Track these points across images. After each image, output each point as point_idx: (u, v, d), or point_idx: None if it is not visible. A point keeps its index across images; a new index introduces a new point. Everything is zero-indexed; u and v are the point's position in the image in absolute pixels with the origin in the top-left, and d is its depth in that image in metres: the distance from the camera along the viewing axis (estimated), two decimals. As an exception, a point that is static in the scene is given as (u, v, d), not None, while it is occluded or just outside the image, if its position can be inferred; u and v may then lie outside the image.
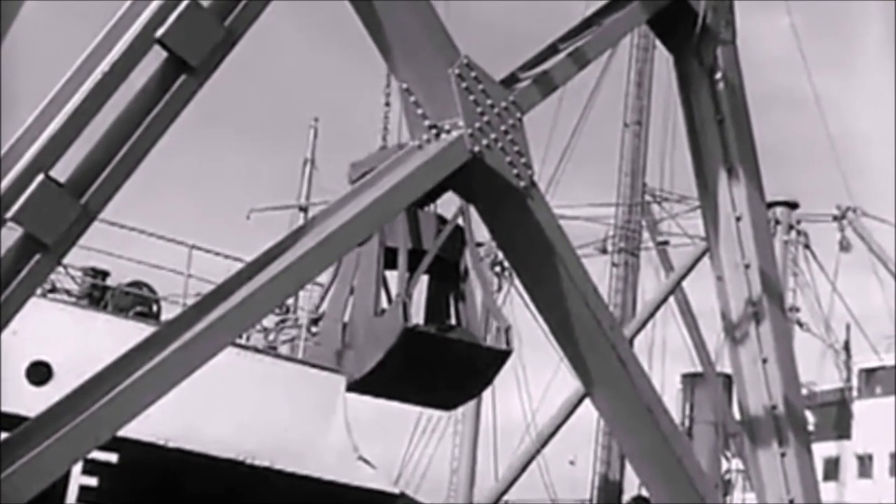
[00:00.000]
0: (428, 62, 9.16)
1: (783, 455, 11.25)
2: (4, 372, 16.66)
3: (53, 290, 20.53)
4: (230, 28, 7.87)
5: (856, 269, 45.37)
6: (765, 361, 11.34)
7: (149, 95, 7.60)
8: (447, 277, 9.82)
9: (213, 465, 19.59)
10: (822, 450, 42.37)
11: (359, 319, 9.32)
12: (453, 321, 9.93)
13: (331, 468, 21.12)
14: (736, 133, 11.38)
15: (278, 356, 23.43)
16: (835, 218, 44.24)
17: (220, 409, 19.59)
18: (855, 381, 47.45)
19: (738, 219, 11.41)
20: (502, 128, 9.23)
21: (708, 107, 11.36)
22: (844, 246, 44.09)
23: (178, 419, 17.66)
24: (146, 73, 7.63)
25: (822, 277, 43.82)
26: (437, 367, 9.44)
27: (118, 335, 16.73)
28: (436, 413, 42.72)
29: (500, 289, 34.70)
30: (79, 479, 18.19)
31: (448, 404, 10.65)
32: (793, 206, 43.15)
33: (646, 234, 43.65)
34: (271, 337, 25.90)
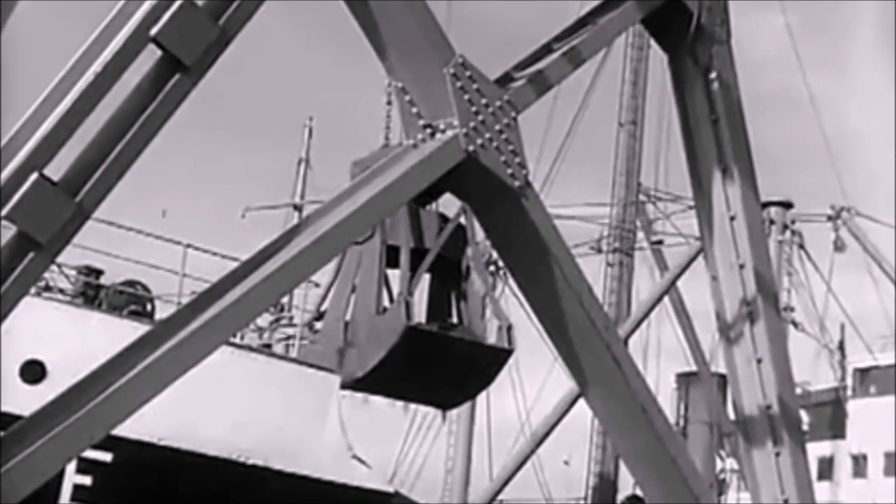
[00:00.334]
0: (423, 62, 9.16)
1: (778, 455, 11.26)
2: (-2, 371, 16.66)
3: (47, 288, 20.51)
4: (224, 27, 7.87)
5: (850, 269, 45.46)
6: (759, 361, 11.35)
7: (143, 94, 7.60)
8: (449, 276, 9.84)
9: (208, 465, 19.58)
10: (817, 449, 42.37)
11: (361, 318, 9.34)
12: (455, 320, 9.94)
13: (325, 467, 21.11)
14: (730, 133, 11.38)
15: (273, 355, 23.43)
16: (829, 218, 44.29)
17: (215, 408, 19.57)
18: (849, 381, 47.50)
19: (733, 218, 11.41)
20: (497, 127, 9.23)
21: (702, 106, 11.36)
22: (839, 246, 44.15)
23: (173, 418, 17.64)
24: (140, 72, 7.63)
25: (816, 277, 43.90)
26: (438, 365, 9.46)
27: (112, 334, 16.72)
28: (431, 412, 42.79)
29: (494, 288, 34.68)
30: (73, 477, 18.18)
31: (450, 403, 10.68)
32: (787, 205, 43.17)
33: (640, 234, 43.68)
34: (266, 336, 25.91)
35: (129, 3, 7.60)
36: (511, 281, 10.21)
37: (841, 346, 47.56)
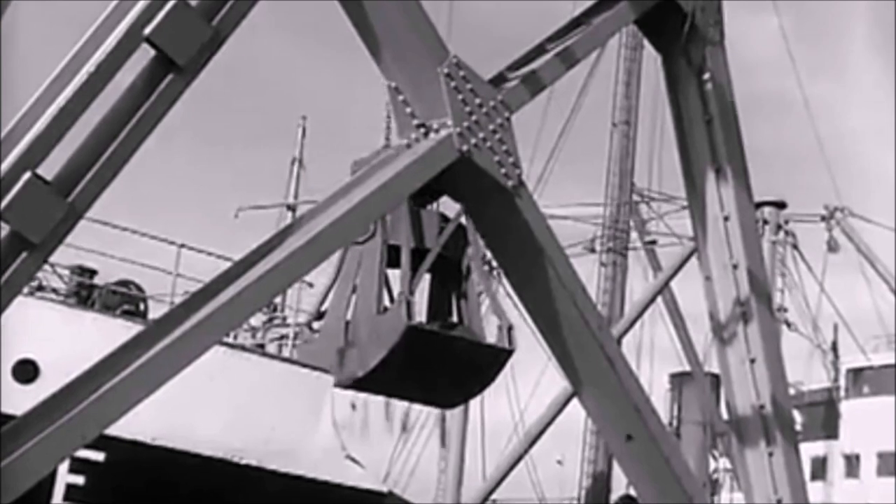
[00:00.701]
0: (417, 61, 9.17)
1: (771, 454, 11.27)
2: (-9, 370, 16.65)
3: (40, 288, 20.49)
4: (218, 27, 7.86)
5: (844, 270, 45.49)
6: (752, 361, 11.36)
7: (136, 94, 7.59)
8: (449, 276, 9.85)
9: (201, 464, 19.57)
10: (810, 449, 42.41)
11: (361, 317, 9.33)
12: (455, 319, 9.96)
13: (319, 467, 21.12)
14: (724, 133, 11.39)
15: (266, 355, 23.44)
16: (823, 218, 44.31)
17: (208, 407, 19.56)
18: (842, 381, 47.50)
19: (727, 219, 11.42)
20: (490, 127, 9.23)
21: (696, 107, 11.37)
22: (832, 246, 44.16)
23: (166, 418, 17.63)
24: (133, 71, 7.62)
25: (809, 277, 43.91)
26: (439, 365, 9.46)
27: (105, 334, 16.73)
28: (424, 412, 42.77)
29: (482, 292, 34.53)
30: (65, 477, 18.15)
31: (450, 402, 10.70)
32: (781, 206, 43.19)
33: (634, 234, 43.66)
34: (259, 336, 25.91)
35: (122, 3, 7.59)
36: (504, 281, 10.20)
37: (834, 347, 47.57)
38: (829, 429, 46.54)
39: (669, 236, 42.63)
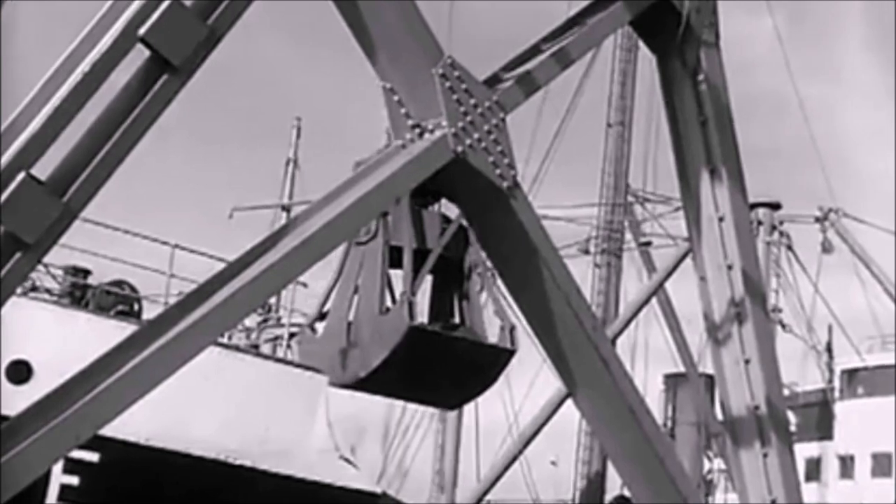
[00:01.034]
0: (412, 62, 9.16)
1: (765, 455, 11.27)
2: (-15, 370, 16.63)
3: (34, 288, 20.49)
4: (213, 27, 7.85)
5: (838, 271, 45.54)
6: (747, 362, 11.36)
7: (131, 94, 7.57)
8: (451, 276, 9.85)
9: (195, 465, 19.57)
10: (805, 450, 42.42)
11: (363, 318, 9.32)
12: (457, 320, 9.97)
13: (313, 468, 21.13)
14: (719, 134, 11.39)
15: (260, 356, 23.45)
16: (817, 219, 44.38)
17: (202, 408, 19.57)
18: (837, 382, 47.57)
19: (721, 220, 11.42)
20: (485, 128, 9.23)
21: (691, 108, 11.37)
22: (827, 247, 44.24)
23: (160, 418, 17.63)
24: (128, 71, 7.61)
25: (804, 279, 43.95)
26: (441, 365, 9.46)
27: (99, 334, 16.72)
28: (419, 413, 42.73)
29: (482, 289, 34.48)
30: (60, 477, 18.15)
31: (452, 403, 10.69)
32: (775, 207, 43.22)
33: (628, 235, 43.69)
34: (254, 336, 25.91)
35: (117, 3, 7.58)
36: (499, 281, 10.19)
37: (828, 348, 47.64)
38: (824, 430, 46.60)
39: (664, 237, 42.69)
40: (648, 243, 43.62)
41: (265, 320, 26.44)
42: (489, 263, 9.99)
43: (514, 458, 39.07)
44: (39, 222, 7.25)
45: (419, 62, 9.10)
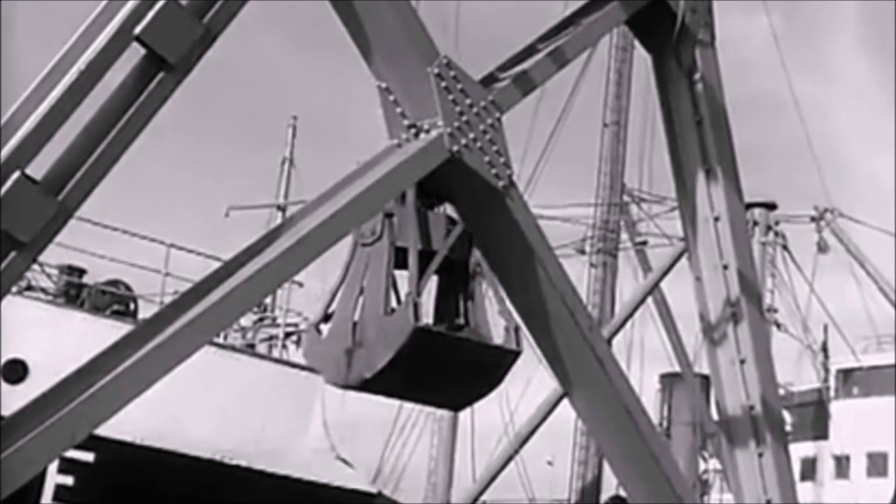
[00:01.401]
0: (407, 62, 9.15)
1: (761, 455, 11.27)
2: (-20, 370, 16.61)
3: (29, 288, 20.49)
4: (209, 25, 7.84)
5: (833, 271, 45.56)
6: (742, 362, 11.36)
7: (126, 93, 7.57)
8: (456, 277, 9.86)
9: (191, 465, 19.57)
10: (800, 450, 42.53)
11: (369, 319, 9.33)
12: (462, 321, 9.97)
13: (308, 468, 21.14)
14: (714, 134, 11.39)
15: (256, 355, 23.46)
16: (813, 219, 44.37)
17: (198, 408, 19.58)
18: (832, 382, 47.64)
19: (717, 220, 11.42)
20: (481, 127, 9.22)
21: (686, 108, 11.37)
22: (822, 247, 44.24)
23: (156, 418, 17.63)
24: (124, 70, 7.60)
25: (799, 278, 43.93)
26: (446, 366, 9.46)
27: (95, 333, 16.73)
28: (415, 412, 42.71)
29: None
30: (55, 477, 18.15)
31: (458, 404, 10.69)
32: (771, 207, 43.23)
33: (624, 235, 43.68)
34: (249, 336, 25.92)
35: (112, 2, 7.57)
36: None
37: (824, 348, 47.68)
38: (819, 429, 46.66)
39: (660, 237, 42.68)
40: (644, 243, 43.61)
41: (261, 320, 26.45)
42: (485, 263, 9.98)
43: (510, 458, 39.05)
44: (34, 221, 7.24)
45: (415, 62, 9.09)
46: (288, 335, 25.29)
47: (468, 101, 9.18)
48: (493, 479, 38.90)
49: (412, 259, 9.45)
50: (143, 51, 7.60)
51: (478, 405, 11.03)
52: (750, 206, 38.43)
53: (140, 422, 16.82)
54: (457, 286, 9.96)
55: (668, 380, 48.54)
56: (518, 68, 10.00)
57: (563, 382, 10.45)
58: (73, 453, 16.31)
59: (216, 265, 8.32)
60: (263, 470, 20.44)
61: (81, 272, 21.64)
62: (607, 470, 36.69)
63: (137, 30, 7.49)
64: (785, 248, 43.89)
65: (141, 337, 7.67)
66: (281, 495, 20.52)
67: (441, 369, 9.62)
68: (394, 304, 9.47)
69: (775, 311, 43.44)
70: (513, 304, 9.91)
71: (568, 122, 42.24)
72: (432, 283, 9.79)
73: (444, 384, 9.93)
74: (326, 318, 9.80)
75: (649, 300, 41.18)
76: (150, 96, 7.62)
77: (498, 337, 9.93)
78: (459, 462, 41.63)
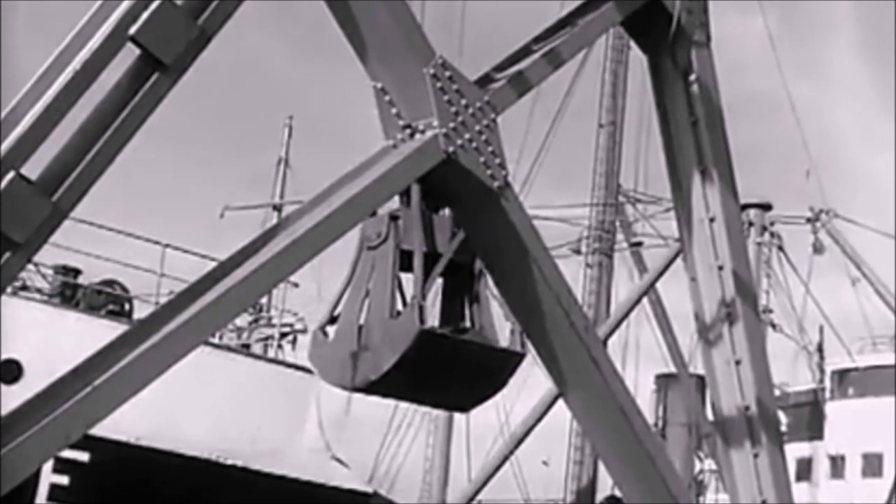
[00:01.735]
0: (402, 62, 9.15)
1: (756, 456, 11.28)
2: (-25, 370, 16.60)
3: (24, 288, 20.47)
4: (204, 26, 7.84)
5: (829, 271, 45.58)
6: (738, 363, 11.36)
7: (121, 93, 7.56)
8: (461, 280, 9.88)
9: (186, 465, 19.56)
10: (795, 450, 42.47)
11: (374, 321, 9.34)
12: (468, 324, 9.99)
13: (304, 468, 21.13)
14: (710, 135, 11.39)
15: (251, 355, 23.45)
16: (808, 220, 44.40)
17: (193, 408, 19.57)
18: (828, 383, 47.67)
19: (712, 220, 11.42)
20: (477, 128, 9.22)
21: (682, 108, 11.37)
22: (818, 248, 44.27)
23: (151, 418, 17.62)
24: (119, 70, 7.60)
25: (795, 279, 43.98)
26: (451, 368, 9.48)
27: (90, 334, 16.70)
28: (409, 413, 42.75)
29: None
30: (50, 477, 18.13)
31: (463, 406, 10.70)
32: (766, 207, 43.20)
33: (620, 236, 43.70)
34: (245, 336, 25.90)
35: (107, 2, 7.56)
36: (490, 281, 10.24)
37: (819, 348, 47.71)
38: (815, 430, 46.70)
39: (655, 237, 42.72)
40: (639, 243, 43.65)
41: (256, 320, 26.42)
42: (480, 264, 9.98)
43: (506, 458, 39.05)
44: (29, 221, 7.24)
45: (410, 62, 9.09)
46: (283, 335, 25.29)
47: (464, 102, 9.18)
48: (488, 479, 38.88)
49: (417, 262, 9.46)
50: (137, 51, 7.60)
51: (474, 405, 11.03)
52: (745, 206, 38.41)
53: (135, 421, 16.80)
54: (462, 289, 9.98)
55: (663, 380, 48.59)
56: (514, 69, 10.00)
57: (558, 383, 10.45)
58: (68, 453, 16.30)
59: (211, 265, 8.32)
60: (259, 470, 20.43)
61: (77, 272, 21.63)
62: (602, 470, 36.69)
63: (132, 30, 7.48)
64: (780, 248, 43.89)
65: (136, 337, 7.66)
66: (277, 495, 20.50)
67: (446, 372, 9.63)
68: (399, 306, 9.47)
69: (771, 311, 43.47)
70: (508, 305, 9.91)
71: (563, 122, 42.34)
72: (438, 285, 9.81)
73: (449, 386, 9.95)
74: (332, 320, 9.81)
75: (645, 301, 41.18)
76: (144, 97, 7.62)
77: (503, 339, 9.94)
78: (455, 462, 41.70)
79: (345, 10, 9.00)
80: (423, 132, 9.06)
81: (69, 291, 21.29)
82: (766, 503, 11.20)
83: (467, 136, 9.15)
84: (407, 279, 9.51)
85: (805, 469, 45.69)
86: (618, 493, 30.08)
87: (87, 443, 13.19)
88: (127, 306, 21.67)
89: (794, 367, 46.75)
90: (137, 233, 21.01)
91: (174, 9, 7.67)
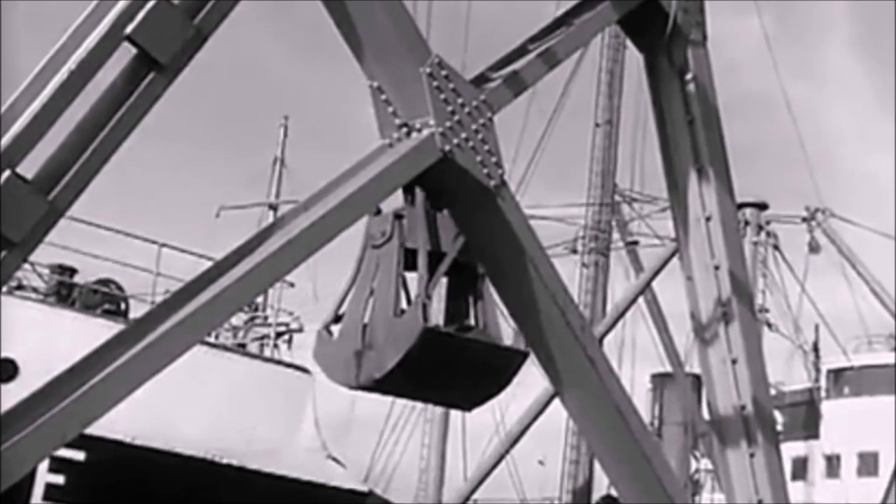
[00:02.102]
0: (399, 61, 9.15)
1: (752, 455, 11.29)
2: (-30, 369, 16.58)
3: (20, 287, 20.44)
4: (200, 26, 7.84)
5: (825, 271, 45.57)
6: (734, 362, 11.37)
7: (117, 93, 7.56)
8: (466, 279, 9.89)
9: (182, 464, 19.54)
10: (791, 450, 42.50)
11: (379, 320, 9.35)
12: (472, 322, 10.01)
13: (300, 467, 21.11)
14: (706, 134, 11.40)
15: (247, 355, 23.42)
16: (804, 219, 44.40)
17: (189, 407, 19.54)
18: (823, 382, 47.66)
19: (708, 219, 11.43)
20: (473, 127, 9.23)
21: (678, 107, 11.38)
22: (813, 247, 44.26)
23: (147, 417, 17.59)
24: (115, 70, 7.59)
25: (791, 278, 43.97)
26: (455, 367, 9.50)
27: (86, 333, 16.67)
28: (406, 412, 42.76)
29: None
30: (45, 476, 18.10)
31: (468, 404, 10.70)
32: (762, 207, 43.22)
33: (616, 235, 43.69)
34: (241, 335, 25.87)
35: (103, 2, 7.56)
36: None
37: (815, 347, 47.70)
38: (810, 429, 46.69)
39: (651, 237, 42.69)
40: (636, 243, 43.62)
41: (252, 319, 26.37)
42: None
43: (501, 458, 39.06)
44: (25, 221, 7.24)
45: (406, 61, 9.09)
46: (279, 335, 25.25)
47: (460, 101, 9.18)
48: (484, 478, 38.90)
49: (422, 261, 9.47)
50: (134, 50, 7.60)
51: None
52: (741, 205, 38.41)
53: (131, 421, 16.79)
54: (466, 287, 9.99)
55: (659, 379, 48.58)
56: (510, 68, 10.01)
57: (554, 382, 10.46)
58: (63, 452, 16.29)
59: (207, 265, 8.32)
60: (255, 469, 20.42)
61: (73, 271, 21.60)
62: (598, 470, 36.69)
63: (128, 29, 7.48)
64: (776, 248, 43.90)
65: (132, 336, 7.66)
66: (272, 494, 20.49)
67: (450, 370, 9.64)
68: (404, 305, 9.48)
69: (766, 310, 43.45)
70: (504, 304, 9.91)
71: (559, 121, 42.29)
72: (442, 284, 9.82)
73: (453, 385, 9.95)
74: (336, 319, 9.82)
75: (641, 300, 41.19)
76: (140, 96, 7.62)
77: (507, 338, 9.95)
78: (451, 461, 41.67)
79: (341, 9, 9.00)
80: (419, 131, 9.07)
81: (65, 290, 21.26)
82: (763, 502, 11.21)
83: (463, 135, 9.16)
84: (411, 278, 9.52)
85: (801, 468, 45.69)
86: (614, 493, 30.11)
87: (82, 442, 13.16)
88: (123, 305, 21.64)
89: (789, 366, 46.78)
90: (134, 232, 20.99)
91: (170, 8, 7.67)
